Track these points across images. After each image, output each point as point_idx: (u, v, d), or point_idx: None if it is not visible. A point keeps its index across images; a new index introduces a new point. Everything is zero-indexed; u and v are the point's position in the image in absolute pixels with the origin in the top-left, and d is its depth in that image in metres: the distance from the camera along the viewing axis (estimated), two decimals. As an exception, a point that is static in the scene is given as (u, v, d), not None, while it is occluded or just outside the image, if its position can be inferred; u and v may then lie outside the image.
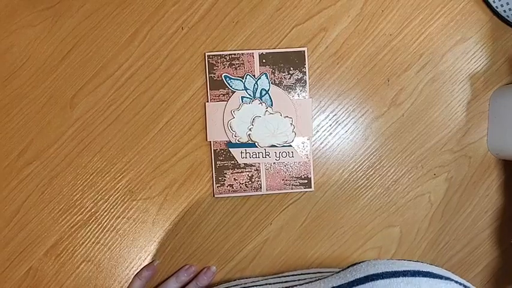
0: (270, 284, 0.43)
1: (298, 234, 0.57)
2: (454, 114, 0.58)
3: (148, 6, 0.55)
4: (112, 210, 0.56)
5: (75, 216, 0.56)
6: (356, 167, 0.57)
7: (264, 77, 0.55)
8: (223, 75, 0.55)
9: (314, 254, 0.58)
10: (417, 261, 0.33)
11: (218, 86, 0.55)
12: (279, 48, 0.56)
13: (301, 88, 0.56)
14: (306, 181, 0.56)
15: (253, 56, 0.55)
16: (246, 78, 0.55)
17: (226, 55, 0.55)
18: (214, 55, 0.55)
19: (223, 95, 0.55)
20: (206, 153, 0.56)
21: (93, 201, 0.56)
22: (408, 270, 0.30)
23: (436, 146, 0.58)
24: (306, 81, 0.56)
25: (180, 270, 0.56)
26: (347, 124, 0.57)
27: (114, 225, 0.56)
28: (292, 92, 0.56)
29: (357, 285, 0.30)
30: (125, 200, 0.56)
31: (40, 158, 0.55)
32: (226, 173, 0.56)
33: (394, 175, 0.58)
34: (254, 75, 0.55)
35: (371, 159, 0.57)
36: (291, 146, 0.56)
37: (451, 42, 0.57)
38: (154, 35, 0.55)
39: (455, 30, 0.57)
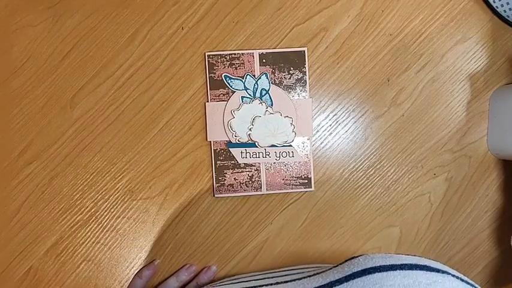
0: (268, 277, 0.43)
1: (299, 234, 0.57)
2: (454, 114, 0.58)
3: (148, 6, 0.55)
4: (112, 210, 0.56)
5: (75, 216, 0.56)
6: (356, 166, 0.57)
7: (264, 77, 0.55)
8: (223, 75, 0.55)
9: (314, 254, 0.58)
10: (415, 255, 0.33)
11: (218, 86, 0.55)
12: (279, 48, 0.56)
13: (301, 88, 0.56)
14: (306, 181, 0.56)
15: (253, 56, 0.55)
16: (246, 78, 0.55)
17: (227, 55, 0.55)
18: (214, 55, 0.55)
19: (224, 94, 0.55)
20: (206, 153, 0.56)
21: (93, 201, 0.56)
22: (405, 264, 0.30)
23: (436, 146, 0.58)
24: (306, 81, 0.56)
25: (180, 270, 0.56)
26: (347, 124, 0.57)
27: (114, 225, 0.56)
28: (292, 92, 0.56)
29: (354, 278, 0.30)
30: (125, 200, 0.56)
31: (40, 158, 0.55)
32: (226, 173, 0.56)
33: (394, 175, 0.58)
34: (254, 75, 0.55)
35: (371, 159, 0.57)
36: (291, 145, 0.56)
37: (451, 42, 0.57)
38: (154, 35, 0.55)
39: (456, 30, 0.57)
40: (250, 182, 0.56)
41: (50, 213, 0.56)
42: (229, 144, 0.55)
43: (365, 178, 0.58)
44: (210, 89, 0.55)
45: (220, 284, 0.44)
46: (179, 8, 0.55)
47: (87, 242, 0.56)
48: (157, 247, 0.57)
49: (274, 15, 0.56)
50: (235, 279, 0.47)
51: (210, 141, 0.56)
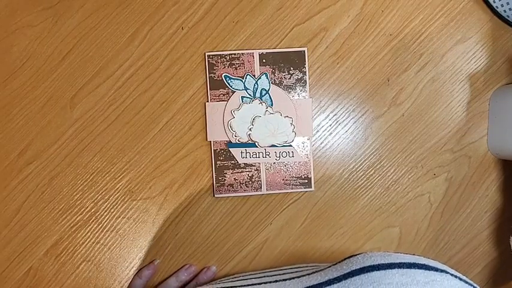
0: (267, 276, 0.43)
1: (298, 234, 0.57)
2: (454, 114, 0.58)
3: (148, 6, 0.55)
4: (112, 210, 0.56)
5: (75, 216, 0.56)
6: (356, 166, 0.57)
7: (264, 76, 0.55)
8: (223, 75, 0.55)
9: (314, 254, 0.58)
10: (413, 254, 0.33)
11: (218, 86, 0.55)
12: (279, 48, 0.56)
13: (301, 88, 0.56)
14: (306, 181, 0.56)
15: (253, 56, 0.55)
16: (246, 78, 0.55)
17: (227, 55, 0.55)
18: (214, 55, 0.55)
19: (224, 94, 0.55)
20: (206, 153, 0.56)
21: (93, 201, 0.56)
22: (404, 262, 0.30)
23: (436, 146, 0.58)
24: (306, 81, 0.56)
25: (180, 270, 0.56)
26: (347, 124, 0.57)
27: (114, 225, 0.56)
28: (292, 92, 0.56)
29: (353, 276, 0.30)
30: (125, 200, 0.56)
31: (40, 158, 0.55)
32: (226, 173, 0.56)
33: (394, 175, 0.58)
34: (254, 75, 0.55)
35: (371, 159, 0.57)
36: (291, 145, 0.56)
37: (451, 42, 0.57)
38: (154, 35, 0.55)
39: (455, 30, 0.57)
40: (250, 182, 0.56)
41: (50, 214, 0.56)
42: (229, 144, 0.55)
43: (365, 178, 0.58)
44: (210, 89, 0.55)
45: (220, 282, 0.44)
46: (179, 8, 0.55)
47: (87, 242, 0.56)
48: (157, 247, 0.56)
49: (274, 15, 0.56)
50: (234, 277, 0.47)
51: (210, 141, 0.56)
